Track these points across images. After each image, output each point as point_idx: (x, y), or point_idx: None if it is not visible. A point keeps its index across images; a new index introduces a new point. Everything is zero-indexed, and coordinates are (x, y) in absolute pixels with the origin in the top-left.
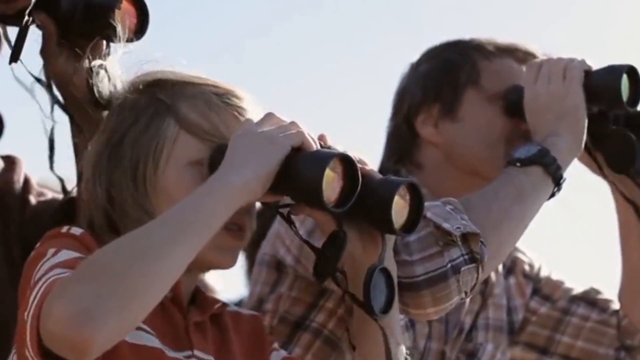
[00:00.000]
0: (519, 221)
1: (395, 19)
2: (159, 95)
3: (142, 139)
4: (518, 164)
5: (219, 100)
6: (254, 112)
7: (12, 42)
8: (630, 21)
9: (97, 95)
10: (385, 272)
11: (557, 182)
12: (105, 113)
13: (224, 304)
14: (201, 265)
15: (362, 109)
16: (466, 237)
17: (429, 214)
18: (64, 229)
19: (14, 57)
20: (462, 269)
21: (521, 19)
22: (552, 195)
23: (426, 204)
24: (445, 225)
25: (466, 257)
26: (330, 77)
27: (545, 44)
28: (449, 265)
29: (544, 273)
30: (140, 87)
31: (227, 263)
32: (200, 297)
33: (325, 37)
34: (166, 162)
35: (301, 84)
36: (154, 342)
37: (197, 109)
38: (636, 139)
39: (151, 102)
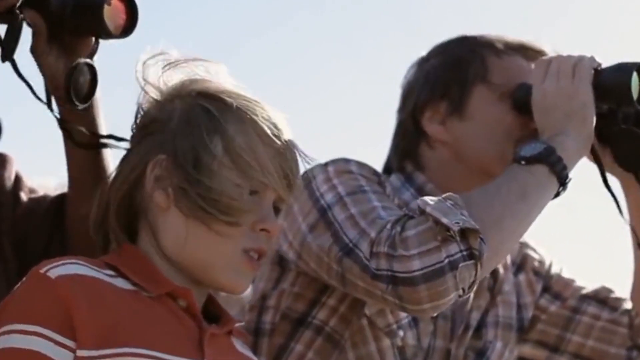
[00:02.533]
0: (522, 219)
1: (394, 18)
2: (210, 110)
3: (189, 153)
4: (523, 162)
5: (268, 131)
6: (297, 149)
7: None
8: (628, 21)
9: (72, 93)
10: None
11: (563, 181)
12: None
13: (242, 333)
14: (213, 286)
15: (362, 109)
16: (465, 233)
17: (428, 209)
18: (44, 268)
19: (6, 55)
20: (460, 265)
21: (520, 18)
22: (557, 194)
23: (426, 198)
24: (444, 220)
25: (464, 253)
26: (329, 76)
27: (548, 42)
28: (446, 260)
29: (554, 270)
30: (191, 95)
31: (239, 288)
32: (218, 309)
33: (324, 36)
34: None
35: (300, 83)
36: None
37: (245, 137)
38: None
39: (202, 115)
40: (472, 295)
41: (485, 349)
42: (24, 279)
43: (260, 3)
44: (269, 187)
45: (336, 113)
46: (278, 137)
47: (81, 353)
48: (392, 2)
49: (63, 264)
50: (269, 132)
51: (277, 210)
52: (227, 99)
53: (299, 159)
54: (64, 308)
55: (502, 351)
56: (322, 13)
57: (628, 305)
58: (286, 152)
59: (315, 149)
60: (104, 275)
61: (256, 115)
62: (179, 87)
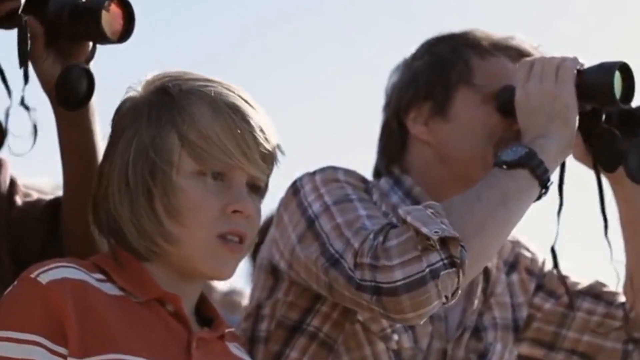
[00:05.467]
0: (503, 224)
1: (396, 18)
2: (165, 103)
3: (150, 149)
4: (504, 167)
5: (228, 111)
6: (264, 123)
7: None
8: (628, 21)
9: (63, 96)
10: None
11: (544, 184)
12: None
13: (235, 336)
14: (197, 275)
15: (363, 110)
16: (445, 242)
17: (409, 218)
18: (34, 272)
19: (22, 60)
20: (441, 273)
21: (520, 19)
22: (539, 197)
23: (408, 207)
24: (424, 230)
25: (445, 261)
26: (330, 78)
27: (545, 42)
28: (427, 269)
29: (547, 268)
30: (149, 90)
31: (222, 274)
32: (212, 312)
33: (324, 39)
34: (177, 172)
35: (302, 84)
36: None
37: (200, 126)
38: (629, 137)
39: (158, 109)
40: (476, 300)
41: (486, 351)
42: (14, 283)
43: (261, 4)
44: (235, 167)
45: (337, 114)
46: (237, 115)
47: None
48: (393, 4)
49: (52, 268)
50: (225, 111)
51: (257, 188)
52: (177, 85)
53: (270, 135)
54: (57, 315)
55: (502, 352)
56: (323, 15)
57: (622, 299)
58: (246, 129)
59: (315, 150)
60: (92, 279)
61: (210, 96)
62: (142, 84)
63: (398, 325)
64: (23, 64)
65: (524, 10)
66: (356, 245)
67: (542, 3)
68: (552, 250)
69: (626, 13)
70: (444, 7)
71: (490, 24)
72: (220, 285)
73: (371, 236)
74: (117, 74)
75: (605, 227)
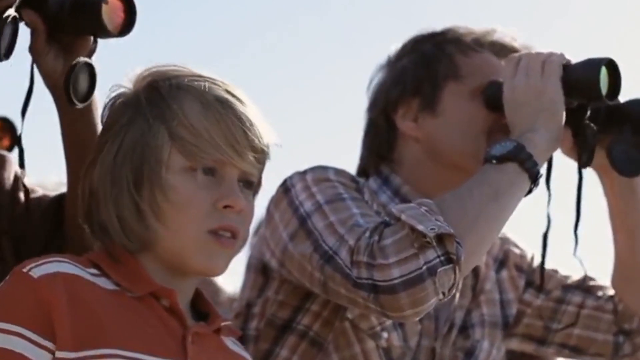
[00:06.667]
0: (496, 219)
1: (396, 18)
2: (155, 100)
3: (138, 146)
4: (494, 161)
5: (218, 106)
6: (254, 117)
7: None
8: (629, 21)
9: (71, 92)
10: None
11: (534, 178)
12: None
13: (231, 330)
14: (189, 271)
15: (363, 110)
16: (441, 238)
17: (403, 217)
18: (27, 267)
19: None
20: (439, 270)
21: (520, 19)
22: (530, 191)
23: (401, 206)
24: (420, 227)
25: (442, 258)
26: (331, 78)
27: (545, 43)
28: (425, 267)
29: (536, 264)
30: (139, 85)
31: (214, 270)
32: (207, 307)
33: (325, 38)
34: (166, 169)
35: (302, 84)
36: None
37: (189, 121)
38: (616, 133)
39: (147, 105)
40: (457, 294)
41: (473, 348)
42: (7, 277)
43: (262, 4)
44: (226, 162)
45: (337, 114)
46: (226, 109)
47: (60, 354)
48: (393, 4)
49: (45, 263)
50: (214, 106)
51: (250, 184)
52: (167, 80)
53: (261, 130)
54: (45, 309)
55: (489, 350)
56: (323, 15)
57: (611, 291)
58: (236, 123)
59: (315, 150)
60: (87, 274)
61: (199, 90)
62: (132, 80)
63: (387, 323)
64: (3, 57)
65: (524, 10)
66: (351, 242)
67: (542, 3)
68: (544, 238)
69: (626, 13)
70: (444, 7)
71: (490, 24)
72: (228, 287)
73: (367, 234)
74: (118, 74)
75: (577, 222)
